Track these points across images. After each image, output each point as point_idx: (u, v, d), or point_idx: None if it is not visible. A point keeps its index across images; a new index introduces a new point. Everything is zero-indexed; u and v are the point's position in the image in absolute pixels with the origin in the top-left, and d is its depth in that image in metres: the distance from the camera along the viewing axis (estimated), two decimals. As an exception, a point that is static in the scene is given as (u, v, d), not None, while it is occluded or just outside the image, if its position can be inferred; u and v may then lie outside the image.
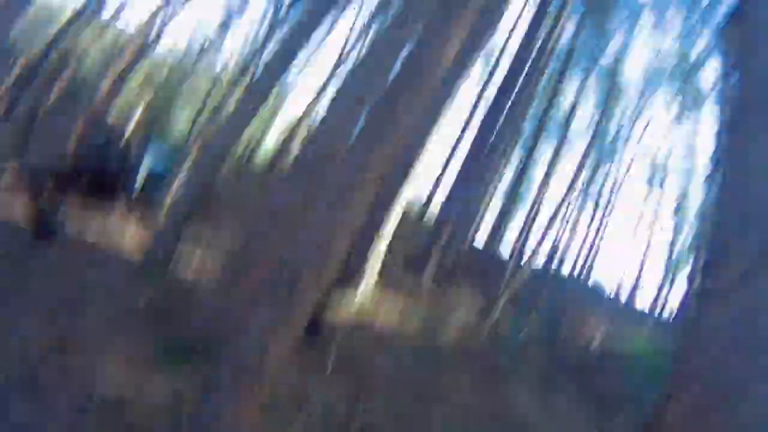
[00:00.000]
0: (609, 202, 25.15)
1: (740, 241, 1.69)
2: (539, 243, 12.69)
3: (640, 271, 24.08)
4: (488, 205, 16.29)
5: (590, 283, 23.85)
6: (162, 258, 6.70)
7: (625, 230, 30.29)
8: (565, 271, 24.52)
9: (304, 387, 4.93)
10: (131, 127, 13.91)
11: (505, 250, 22.45)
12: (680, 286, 21.91)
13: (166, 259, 6.72)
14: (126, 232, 7.81)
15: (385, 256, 8.50)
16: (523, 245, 18.55)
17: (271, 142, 23.79)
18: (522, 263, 14.07)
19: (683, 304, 16.71)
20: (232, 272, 5.43)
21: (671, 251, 24.29)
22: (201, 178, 7.33)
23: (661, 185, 25.13)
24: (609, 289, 24.96)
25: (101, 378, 3.88)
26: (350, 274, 7.83)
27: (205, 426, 2.47)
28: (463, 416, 5.67)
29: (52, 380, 3.75)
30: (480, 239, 19.87)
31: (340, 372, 5.47)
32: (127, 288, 5.84)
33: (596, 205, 25.01)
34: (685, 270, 21.47)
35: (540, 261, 18.43)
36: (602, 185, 24.73)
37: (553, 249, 22.00)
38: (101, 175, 8.62)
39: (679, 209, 24.46)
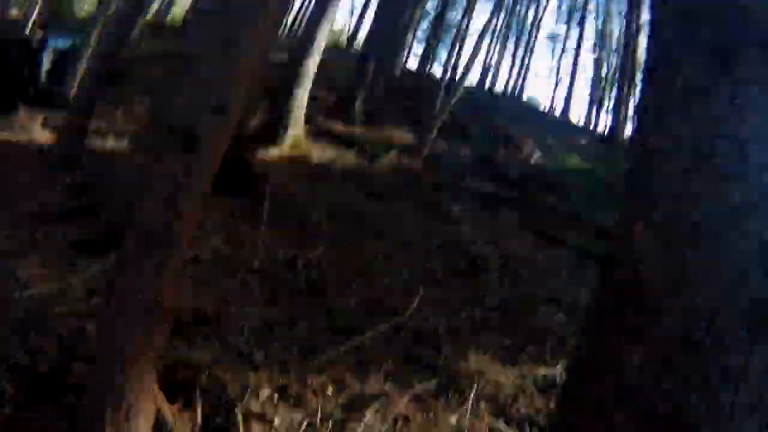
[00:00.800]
0: (532, 29, 24.87)
1: (688, 42, 1.42)
2: (470, 62, 12.19)
3: (570, 89, 24.65)
4: (415, 30, 15.37)
5: (523, 100, 24.25)
6: (73, 144, 6.20)
7: (552, 56, 30.24)
8: (499, 89, 24.76)
9: (243, 240, 4.83)
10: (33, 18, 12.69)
11: (436, 72, 22.16)
12: (609, 103, 22.85)
13: (78, 144, 6.22)
14: (34, 129, 7.31)
15: (312, 100, 8.11)
16: (455, 68, 18.21)
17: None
18: (454, 83, 13.74)
19: (614, 122, 17.54)
20: (140, 143, 4.93)
21: (597, 72, 24.93)
22: (107, 51, 6.42)
23: (581, 23, 25.09)
24: (542, 106, 25.64)
25: (20, 277, 3.62)
26: (276, 124, 7.47)
27: (120, 306, 2.28)
28: (408, 245, 5.74)
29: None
30: (410, 65, 19.26)
31: (280, 221, 5.36)
32: (40, 182, 5.44)
33: (520, 32, 24.72)
34: (613, 90, 22.14)
35: (472, 80, 18.23)
36: (524, 17, 24.33)
37: (485, 69, 21.78)
38: (3, 72, 8.03)
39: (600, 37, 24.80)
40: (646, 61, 1.68)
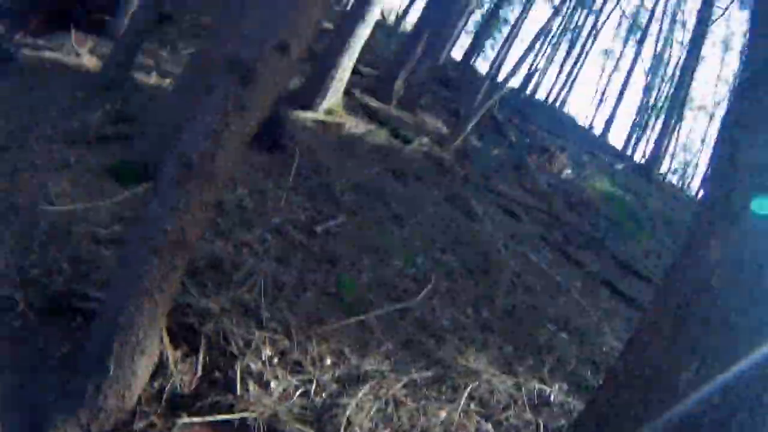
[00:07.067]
0: (587, 40, 24.31)
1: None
2: (517, 65, 11.92)
3: (614, 111, 24.02)
4: (467, 20, 15.03)
5: (564, 112, 23.69)
6: (118, 73, 6.25)
7: (601, 72, 29.22)
8: (540, 96, 24.30)
9: (266, 196, 4.82)
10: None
11: (480, 67, 21.87)
12: (653, 133, 22.21)
13: (122, 75, 6.27)
14: (83, 54, 7.41)
15: (353, 73, 8.01)
16: (500, 65, 17.81)
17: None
18: (498, 82, 13.45)
19: (655, 153, 17.14)
20: (186, 77, 4.89)
21: (646, 98, 24.27)
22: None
23: (640, 42, 24.31)
24: (583, 122, 25.08)
25: (50, 193, 3.68)
26: (314, 89, 7.38)
27: (151, 227, 2.25)
28: (427, 232, 5.64)
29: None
30: (456, 55, 18.97)
31: (304, 185, 5.38)
32: (81, 104, 5.53)
33: (573, 41, 24.15)
34: (659, 120, 21.49)
35: (516, 83, 17.86)
36: (581, 26, 23.80)
37: (530, 73, 21.38)
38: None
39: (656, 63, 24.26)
40: (740, 78, 1.66)
